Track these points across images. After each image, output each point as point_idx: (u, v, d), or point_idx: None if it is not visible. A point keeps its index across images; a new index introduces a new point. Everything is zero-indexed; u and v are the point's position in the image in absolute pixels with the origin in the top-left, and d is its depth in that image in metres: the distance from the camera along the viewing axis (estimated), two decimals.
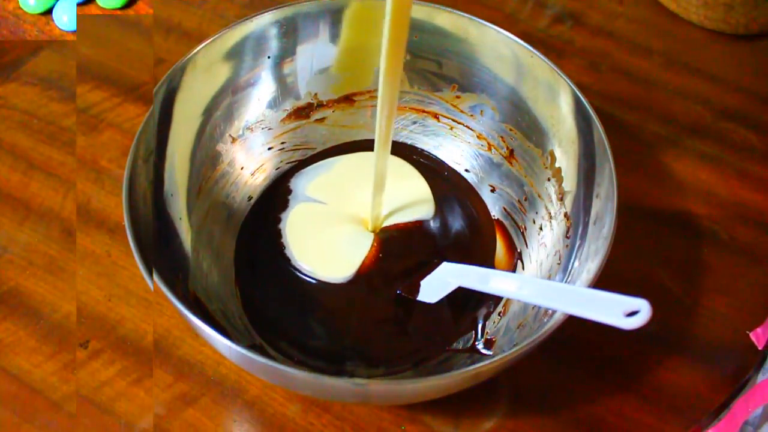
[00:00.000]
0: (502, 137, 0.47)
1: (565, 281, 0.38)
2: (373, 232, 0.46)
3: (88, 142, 0.52)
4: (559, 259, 0.40)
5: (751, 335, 0.41)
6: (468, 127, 0.48)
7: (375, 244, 0.45)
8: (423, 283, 0.42)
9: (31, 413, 0.40)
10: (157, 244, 0.37)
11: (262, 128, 0.47)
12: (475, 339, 0.41)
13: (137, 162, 0.37)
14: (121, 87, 0.55)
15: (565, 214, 0.41)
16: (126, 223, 0.34)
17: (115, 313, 0.43)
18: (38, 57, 0.58)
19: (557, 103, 0.42)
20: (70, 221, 0.48)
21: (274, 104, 0.48)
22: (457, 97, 0.48)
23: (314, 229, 0.46)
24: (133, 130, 0.38)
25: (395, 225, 0.46)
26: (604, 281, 0.33)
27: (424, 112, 0.49)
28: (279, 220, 0.46)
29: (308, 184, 0.48)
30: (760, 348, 0.40)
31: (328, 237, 0.46)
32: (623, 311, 0.29)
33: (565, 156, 0.42)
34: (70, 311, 0.44)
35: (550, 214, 0.43)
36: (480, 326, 0.41)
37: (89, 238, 0.46)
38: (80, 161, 0.51)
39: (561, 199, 0.42)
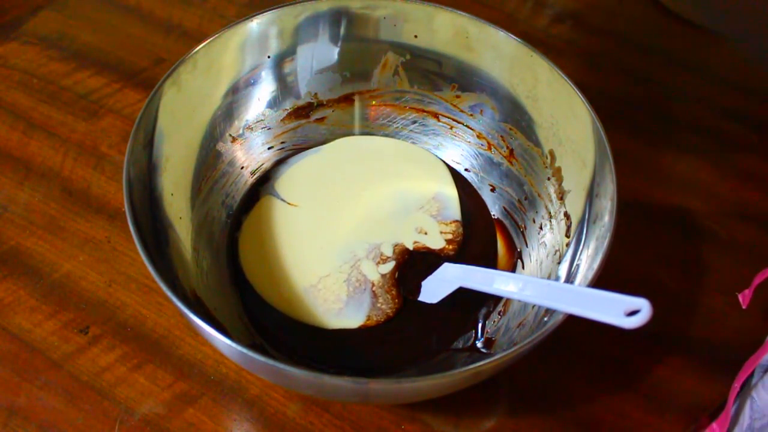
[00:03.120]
0: (502, 137, 0.47)
1: (566, 281, 0.38)
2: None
3: (88, 128, 0.52)
4: (559, 258, 0.40)
5: (739, 296, 0.42)
6: (468, 127, 0.48)
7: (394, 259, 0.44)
8: (424, 283, 0.42)
9: (31, 372, 0.40)
10: (158, 244, 0.37)
11: (262, 128, 0.47)
12: (475, 338, 0.41)
13: (137, 148, 0.37)
14: (121, 73, 0.56)
15: (565, 213, 0.41)
16: (126, 208, 0.34)
17: (115, 299, 0.43)
18: (38, 16, 0.59)
19: (557, 103, 0.42)
20: (70, 180, 0.48)
21: (274, 104, 0.48)
22: (457, 96, 0.48)
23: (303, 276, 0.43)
24: (133, 116, 0.38)
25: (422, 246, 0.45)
26: (604, 280, 0.33)
27: (424, 111, 0.49)
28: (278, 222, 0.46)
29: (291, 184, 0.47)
30: (744, 307, 0.41)
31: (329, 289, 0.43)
32: (624, 310, 0.28)
33: (565, 155, 0.42)
34: (70, 270, 0.44)
35: (550, 213, 0.43)
36: (480, 326, 0.41)
37: (89, 224, 0.46)
38: (80, 147, 0.51)
39: (561, 199, 0.42)
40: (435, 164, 0.49)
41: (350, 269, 0.43)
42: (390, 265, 0.43)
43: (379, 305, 0.42)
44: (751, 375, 0.36)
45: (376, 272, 0.43)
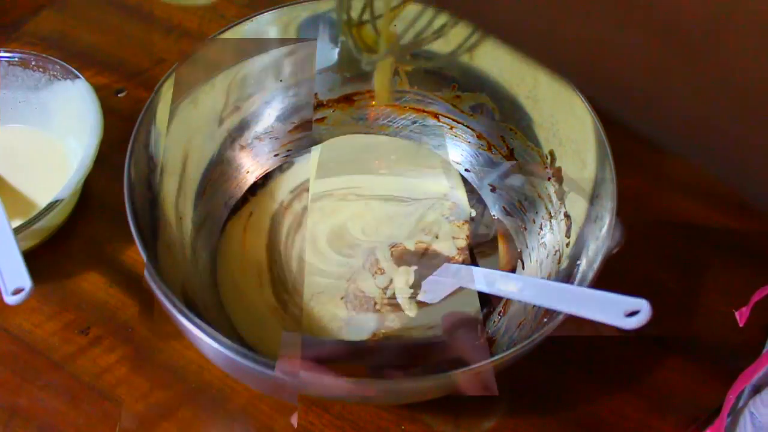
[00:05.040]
0: (502, 137, 0.47)
1: (566, 281, 0.38)
2: None
3: None
4: (559, 259, 0.40)
5: (736, 314, 0.42)
6: (468, 127, 0.48)
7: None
8: (424, 283, 0.42)
9: (32, 373, 0.40)
10: (156, 243, 0.37)
11: (270, 138, 0.47)
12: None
13: (137, 148, 0.37)
14: (121, 73, 0.56)
15: (566, 214, 0.41)
16: (127, 209, 0.35)
17: (116, 300, 0.43)
18: (39, 17, 0.59)
19: (557, 103, 0.42)
20: None
21: (282, 118, 0.48)
22: (457, 96, 0.48)
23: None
24: (134, 117, 0.38)
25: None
26: (604, 281, 0.33)
27: (424, 111, 0.49)
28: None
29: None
30: (741, 325, 0.41)
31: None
32: (623, 311, 0.29)
33: (565, 155, 0.42)
34: (71, 271, 0.44)
35: (550, 213, 0.43)
36: (480, 326, 0.41)
37: (90, 225, 0.46)
38: None
39: (561, 199, 0.42)
40: (441, 164, 0.49)
41: (347, 284, 0.42)
42: (391, 274, 0.43)
43: (388, 324, 0.41)
44: (743, 390, 0.35)
45: (375, 287, 0.42)
